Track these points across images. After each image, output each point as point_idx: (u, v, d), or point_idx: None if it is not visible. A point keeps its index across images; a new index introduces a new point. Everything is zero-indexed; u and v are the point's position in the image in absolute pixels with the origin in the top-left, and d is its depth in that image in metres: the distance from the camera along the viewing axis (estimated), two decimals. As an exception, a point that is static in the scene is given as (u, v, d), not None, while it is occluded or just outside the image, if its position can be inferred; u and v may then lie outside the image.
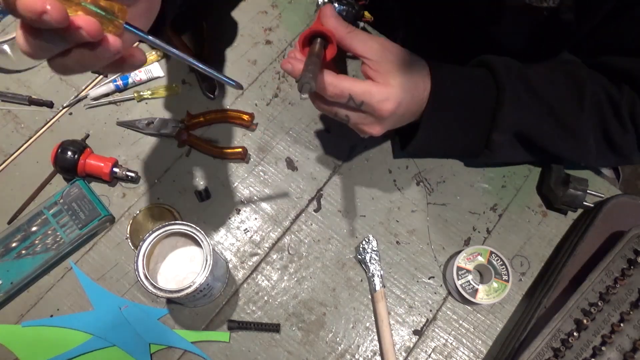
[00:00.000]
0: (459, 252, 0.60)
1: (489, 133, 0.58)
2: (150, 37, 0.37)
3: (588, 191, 0.61)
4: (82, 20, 0.33)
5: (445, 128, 0.58)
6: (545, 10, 0.57)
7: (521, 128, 0.58)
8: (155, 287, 0.50)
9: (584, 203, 0.61)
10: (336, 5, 0.64)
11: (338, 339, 0.59)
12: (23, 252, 0.60)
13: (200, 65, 0.39)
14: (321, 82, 0.49)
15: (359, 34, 0.51)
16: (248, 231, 0.63)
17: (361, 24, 0.68)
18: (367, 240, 0.60)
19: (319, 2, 0.67)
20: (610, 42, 0.60)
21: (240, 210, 0.64)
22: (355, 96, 0.49)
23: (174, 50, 0.38)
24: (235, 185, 0.65)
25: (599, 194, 0.61)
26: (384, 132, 0.54)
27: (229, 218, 0.64)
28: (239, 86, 0.42)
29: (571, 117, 0.57)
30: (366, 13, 0.66)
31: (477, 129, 0.59)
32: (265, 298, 0.60)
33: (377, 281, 0.59)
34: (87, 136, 0.67)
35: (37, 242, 0.60)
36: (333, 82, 0.49)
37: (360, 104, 0.50)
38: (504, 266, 0.58)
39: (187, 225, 0.52)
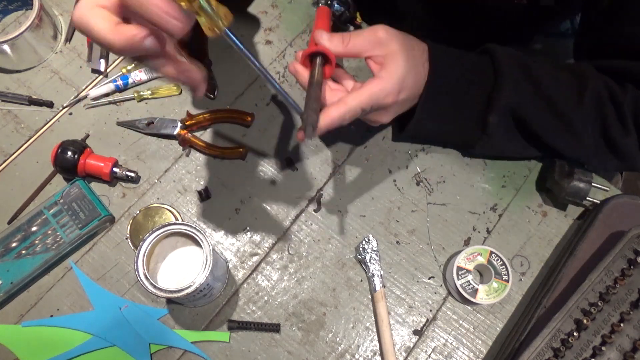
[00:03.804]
0: (459, 252, 0.60)
1: (486, 115, 0.58)
2: (243, 48, 0.40)
3: (593, 184, 0.60)
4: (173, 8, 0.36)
5: (442, 110, 0.59)
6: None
7: (518, 112, 0.58)
8: (155, 287, 0.50)
9: (588, 197, 0.60)
10: (336, 5, 0.65)
11: (338, 339, 0.59)
12: (23, 252, 0.60)
13: (278, 87, 0.45)
14: (328, 117, 0.49)
15: (355, 40, 0.52)
16: (248, 231, 0.63)
17: (351, 28, 0.71)
18: (367, 240, 0.60)
19: (319, 2, 0.66)
20: (611, 43, 0.60)
21: (240, 210, 0.64)
22: (365, 107, 0.51)
23: (258, 64, 0.42)
24: (235, 185, 0.65)
25: (604, 187, 0.61)
26: (393, 118, 0.57)
27: (229, 218, 0.64)
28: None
29: (569, 110, 0.57)
30: (358, 16, 0.69)
31: (474, 111, 0.59)
32: (265, 298, 0.60)
33: (377, 281, 0.59)
34: (87, 136, 0.67)
35: (37, 242, 0.60)
36: (341, 114, 0.50)
37: (369, 109, 0.52)
38: (504, 266, 0.58)
39: (187, 225, 0.52)
